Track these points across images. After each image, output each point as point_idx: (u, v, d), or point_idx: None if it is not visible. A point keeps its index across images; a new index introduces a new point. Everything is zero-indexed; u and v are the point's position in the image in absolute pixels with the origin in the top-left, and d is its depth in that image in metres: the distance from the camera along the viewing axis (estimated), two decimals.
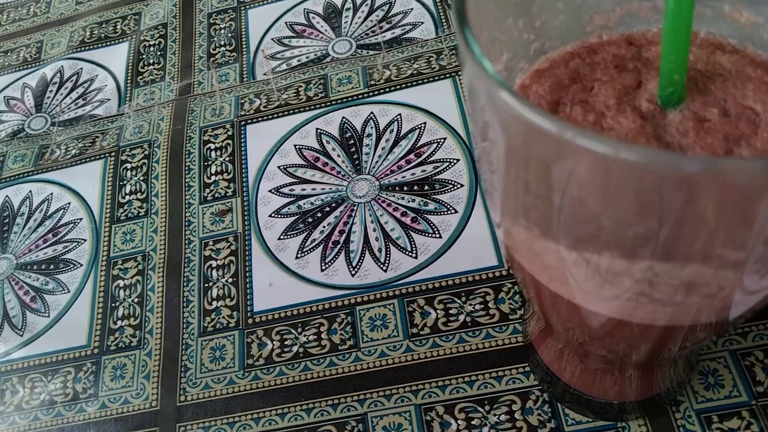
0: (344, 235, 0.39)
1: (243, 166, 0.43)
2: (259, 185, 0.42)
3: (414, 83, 0.44)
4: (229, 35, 0.51)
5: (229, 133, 0.45)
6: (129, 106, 0.49)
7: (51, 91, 0.51)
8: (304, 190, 0.41)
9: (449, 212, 0.38)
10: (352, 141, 0.42)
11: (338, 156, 0.42)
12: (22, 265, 0.43)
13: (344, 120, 0.43)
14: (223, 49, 0.50)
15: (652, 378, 0.27)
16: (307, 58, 0.48)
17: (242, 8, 0.52)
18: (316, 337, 0.36)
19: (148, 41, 0.52)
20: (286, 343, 0.36)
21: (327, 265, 0.38)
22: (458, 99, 0.43)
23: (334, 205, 0.40)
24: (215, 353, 0.37)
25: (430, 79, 0.44)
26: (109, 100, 0.50)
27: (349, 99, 0.44)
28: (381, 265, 0.37)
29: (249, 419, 0.34)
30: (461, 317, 0.35)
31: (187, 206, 0.42)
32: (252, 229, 0.40)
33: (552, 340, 0.29)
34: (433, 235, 0.38)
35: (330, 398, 0.34)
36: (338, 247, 0.39)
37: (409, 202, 0.39)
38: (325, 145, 0.43)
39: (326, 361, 0.35)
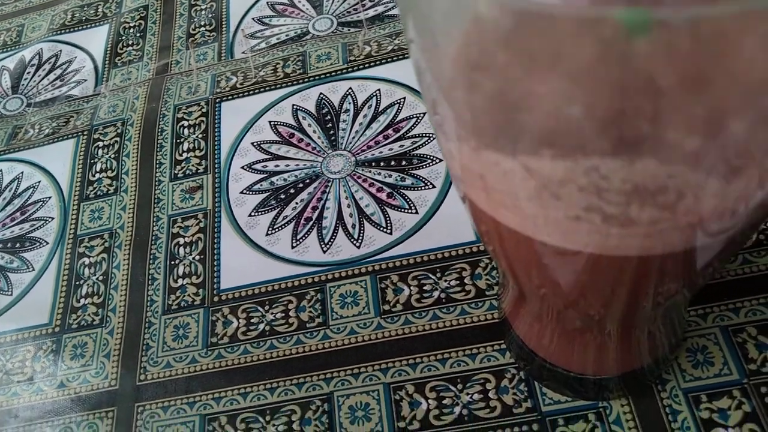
0: (317, 212, 0.37)
1: (216, 143, 0.42)
2: (232, 162, 0.41)
3: (394, 58, 0.42)
4: (210, 15, 0.50)
5: (204, 110, 0.43)
6: (105, 86, 0.47)
7: (29, 72, 0.50)
8: (277, 166, 0.40)
9: (426, 187, 0.37)
10: (329, 117, 0.41)
11: (314, 132, 0.41)
12: None
13: (321, 96, 0.42)
14: (203, 29, 0.49)
15: (631, 347, 0.25)
16: (287, 36, 0.46)
17: None
18: (283, 314, 0.34)
19: (129, 23, 0.51)
20: (252, 321, 0.34)
21: (298, 242, 0.36)
22: None
23: (308, 181, 0.38)
24: (178, 331, 0.35)
25: None
26: (86, 80, 0.48)
27: (328, 75, 0.43)
28: (354, 242, 0.36)
29: (210, 399, 0.32)
30: (436, 293, 0.33)
31: (157, 183, 0.41)
32: (222, 206, 0.39)
33: (525, 310, 0.27)
34: (410, 211, 0.36)
35: (295, 377, 0.32)
36: (310, 223, 0.37)
37: (385, 177, 0.38)
38: (301, 121, 0.41)
39: (293, 339, 0.33)
